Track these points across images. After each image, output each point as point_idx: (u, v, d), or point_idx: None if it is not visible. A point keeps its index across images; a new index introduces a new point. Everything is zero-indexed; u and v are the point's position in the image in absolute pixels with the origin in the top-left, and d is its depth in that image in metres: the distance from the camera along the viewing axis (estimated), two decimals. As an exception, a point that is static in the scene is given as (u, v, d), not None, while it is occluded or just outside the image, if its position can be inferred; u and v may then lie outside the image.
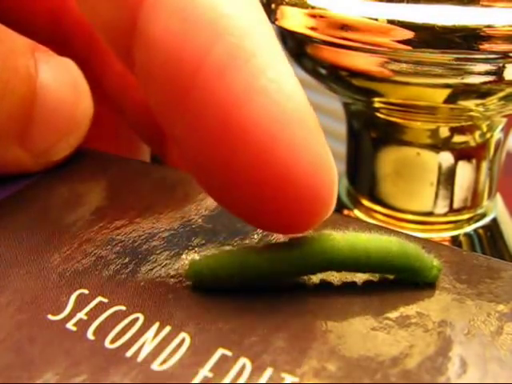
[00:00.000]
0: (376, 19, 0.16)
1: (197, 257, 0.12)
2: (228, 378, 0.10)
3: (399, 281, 0.12)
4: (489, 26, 0.15)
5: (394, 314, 0.11)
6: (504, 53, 0.15)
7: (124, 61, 0.12)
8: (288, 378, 0.10)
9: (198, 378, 0.10)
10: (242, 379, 0.10)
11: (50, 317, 0.11)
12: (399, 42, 0.16)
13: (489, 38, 0.15)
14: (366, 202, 0.20)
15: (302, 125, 0.10)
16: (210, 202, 0.14)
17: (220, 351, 0.10)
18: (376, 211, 0.20)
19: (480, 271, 0.12)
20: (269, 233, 0.13)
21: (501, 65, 0.15)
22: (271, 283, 0.12)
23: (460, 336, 0.10)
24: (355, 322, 0.11)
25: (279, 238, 0.13)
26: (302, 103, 0.11)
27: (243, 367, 0.10)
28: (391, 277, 0.12)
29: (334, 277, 0.12)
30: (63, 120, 0.14)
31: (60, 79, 0.14)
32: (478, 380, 0.10)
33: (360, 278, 0.12)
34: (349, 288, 0.12)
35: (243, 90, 0.10)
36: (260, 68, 0.10)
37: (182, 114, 0.11)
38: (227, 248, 0.13)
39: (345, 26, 0.16)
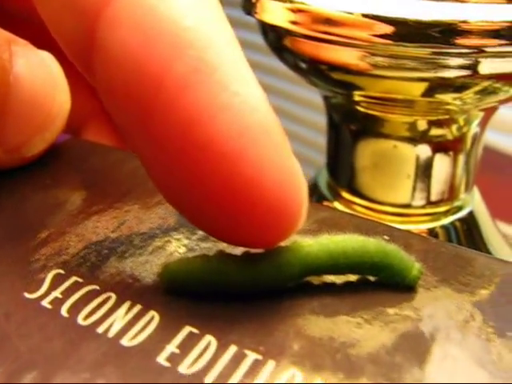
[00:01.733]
0: (355, 14, 0.16)
1: (179, 244, 0.13)
2: (193, 354, 0.10)
3: (379, 282, 0.12)
4: (464, 22, 0.15)
5: (363, 303, 0.11)
6: (478, 47, 0.15)
7: (85, 72, 0.12)
8: (251, 354, 0.10)
9: (164, 354, 0.10)
10: (207, 355, 0.10)
11: (27, 295, 0.11)
12: (378, 36, 0.16)
13: (464, 33, 0.15)
14: (345, 194, 0.20)
15: (268, 138, 0.10)
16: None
17: (187, 329, 0.10)
18: (355, 203, 0.20)
19: (448, 259, 0.12)
20: None
21: (475, 59, 0.16)
22: (246, 292, 0.11)
23: (427, 323, 0.11)
24: (325, 310, 0.11)
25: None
26: (266, 115, 0.10)
27: (208, 344, 0.10)
28: (372, 278, 0.12)
29: (313, 278, 0.12)
30: (38, 114, 0.14)
31: (36, 73, 0.14)
32: (435, 365, 0.10)
33: (340, 279, 0.12)
34: (326, 287, 0.12)
35: (206, 105, 0.10)
36: (223, 81, 0.10)
37: (143, 130, 0.11)
38: (200, 243, 0.13)
39: (325, 21, 0.16)
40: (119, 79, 0.10)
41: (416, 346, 0.10)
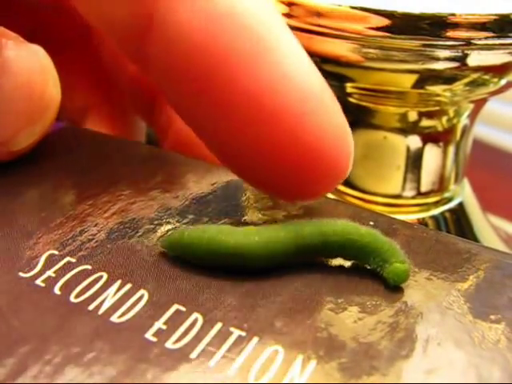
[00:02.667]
0: (347, 6, 0.16)
1: (170, 227, 0.13)
2: (180, 331, 0.10)
3: (366, 269, 0.12)
4: (452, 14, 0.15)
5: (345, 285, 0.12)
6: (466, 40, 0.16)
7: (133, 56, 0.13)
8: (236, 331, 0.10)
9: (152, 330, 0.10)
10: (193, 332, 0.10)
11: (21, 274, 0.12)
12: (369, 28, 0.16)
13: (452, 26, 0.16)
14: (339, 186, 0.21)
15: (326, 103, 0.11)
16: (178, 176, 0.15)
17: (175, 307, 0.11)
18: (347, 194, 0.20)
19: (430, 244, 0.13)
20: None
21: (464, 51, 0.16)
22: (239, 266, 0.12)
23: (408, 306, 0.11)
24: (308, 289, 0.11)
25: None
26: (321, 82, 0.11)
27: (195, 321, 0.11)
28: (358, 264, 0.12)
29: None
30: (27, 107, 0.14)
31: (26, 66, 0.14)
32: (415, 345, 0.10)
33: (328, 262, 0.12)
34: (312, 268, 0.12)
35: (269, 78, 0.11)
36: (281, 56, 0.11)
37: (208, 106, 0.11)
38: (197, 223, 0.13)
39: (317, 13, 0.17)
40: (181, 58, 0.11)
41: (397, 328, 0.11)
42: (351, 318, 0.11)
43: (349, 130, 0.12)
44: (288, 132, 0.11)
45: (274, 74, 0.11)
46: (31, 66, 0.14)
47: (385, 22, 0.16)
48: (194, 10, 0.11)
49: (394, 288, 0.11)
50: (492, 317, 0.11)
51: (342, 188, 0.20)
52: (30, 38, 0.14)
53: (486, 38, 0.15)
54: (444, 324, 0.11)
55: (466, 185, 0.21)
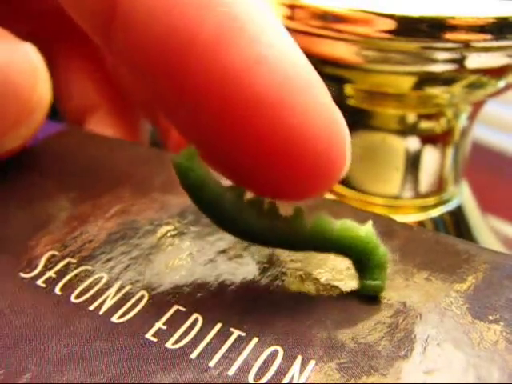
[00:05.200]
0: (347, 9, 0.16)
1: (170, 228, 0.13)
2: (180, 331, 0.10)
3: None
4: (451, 17, 0.16)
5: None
6: (465, 42, 0.16)
7: (105, 44, 0.12)
8: (235, 331, 0.10)
9: (152, 330, 0.10)
10: (193, 332, 0.10)
11: (22, 274, 0.12)
12: (369, 31, 0.16)
13: (451, 28, 0.16)
14: (336, 187, 0.21)
15: (308, 87, 0.10)
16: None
17: (175, 307, 0.11)
18: (346, 195, 0.20)
19: (429, 245, 0.13)
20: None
21: (462, 54, 0.16)
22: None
23: (407, 307, 0.11)
24: (305, 286, 0.12)
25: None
26: (303, 65, 0.10)
27: (195, 321, 0.11)
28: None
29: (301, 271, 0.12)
30: (15, 107, 0.13)
31: (15, 64, 0.13)
32: (414, 346, 0.10)
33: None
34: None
35: (241, 58, 0.10)
36: (255, 34, 0.10)
37: (179, 92, 0.10)
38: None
39: (318, 16, 0.17)
40: (147, 45, 0.10)
41: (396, 328, 0.11)
42: (350, 319, 0.11)
43: (342, 120, 0.11)
44: (270, 119, 0.10)
45: (246, 54, 0.10)
46: (22, 64, 0.13)
47: (385, 24, 0.16)
48: None
49: (393, 290, 0.12)
50: (490, 317, 0.11)
51: (340, 189, 0.20)
52: (32, 37, 0.14)
53: (485, 40, 0.15)
54: (443, 325, 0.11)
55: (464, 186, 0.21)
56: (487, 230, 0.22)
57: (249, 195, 0.11)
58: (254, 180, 0.11)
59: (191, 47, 0.10)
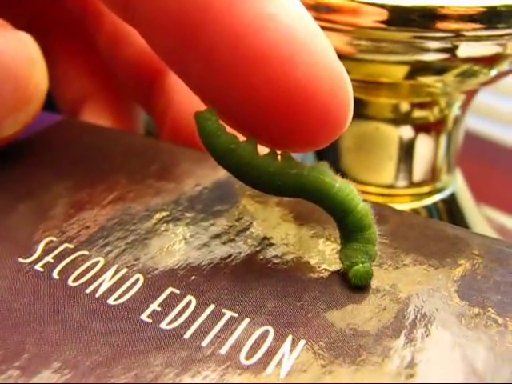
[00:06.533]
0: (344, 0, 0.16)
1: (165, 214, 0.13)
2: (174, 312, 0.11)
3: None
4: (442, 7, 0.16)
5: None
6: (456, 31, 0.16)
7: (122, 14, 0.12)
8: (228, 312, 0.11)
9: (147, 311, 0.11)
10: (187, 313, 0.11)
11: (21, 260, 0.12)
12: (361, 21, 0.17)
13: (442, 18, 0.16)
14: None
15: (315, 42, 0.11)
16: (173, 165, 0.15)
17: (170, 289, 0.11)
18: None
19: (419, 230, 0.13)
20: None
21: (453, 43, 0.16)
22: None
23: (395, 290, 0.12)
24: (301, 272, 0.12)
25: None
26: (311, 23, 0.11)
27: (189, 303, 0.11)
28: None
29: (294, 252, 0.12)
30: (12, 96, 0.14)
31: (12, 52, 0.14)
32: (399, 325, 0.11)
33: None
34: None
35: (253, 17, 0.11)
36: None
37: (195, 53, 0.11)
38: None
39: (310, 6, 0.17)
40: (164, 8, 0.11)
41: (385, 309, 0.11)
42: (340, 300, 0.11)
43: (344, 72, 0.12)
44: (277, 72, 0.11)
45: (257, 13, 0.11)
46: (19, 52, 0.14)
47: (376, 14, 0.16)
48: None
49: (382, 272, 0.12)
50: (478, 299, 0.11)
51: (336, 179, 0.21)
52: (27, 27, 0.14)
53: (475, 29, 0.16)
54: (431, 306, 0.11)
55: (458, 175, 0.22)
56: (480, 218, 0.22)
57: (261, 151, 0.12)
58: (264, 132, 0.12)
59: (206, 8, 0.11)
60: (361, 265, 0.11)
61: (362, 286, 0.11)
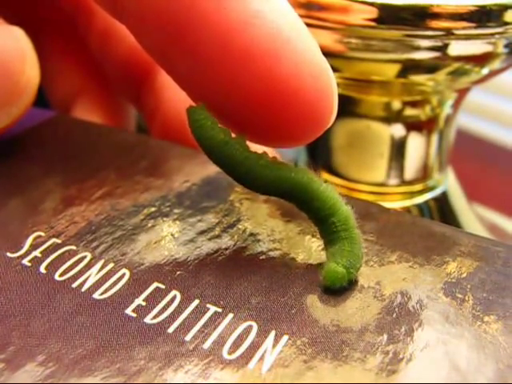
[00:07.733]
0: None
1: (154, 210, 0.13)
2: (159, 307, 0.11)
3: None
4: (434, 5, 0.16)
5: (319, 265, 0.12)
6: (447, 30, 0.16)
7: (112, 11, 0.13)
8: (212, 308, 0.11)
9: (132, 306, 0.11)
10: (171, 308, 0.11)
11: (8, 254, 0.12)
12: (353, 19, 0.17)
13: (433, 16, 0.16)
14: (324, 175, 0.21)
15: (299, 38, 0.11)
16: (162, 161, 0.15)
17: (155, 284, 0.11)
18: (333, 183, 0.21)
19: (406, 228, 0.13)
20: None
21: (445, 41, 0.16)
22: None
23: (381, 286, 0.12)
24: (285, 269, 0.12)
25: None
26: (296, 20, 0.11)
27: (173, 298, 0.11)
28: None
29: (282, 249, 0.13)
30: (4, 88, 0.14)
31: (3, 46, 0.14)
32: (382, 320, 0.11)
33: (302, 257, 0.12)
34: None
35: (239, 14, 0.11)
36: None
37: (182, 49, 0.11)
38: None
39: (302, 4, 0.17)
40: (151, 6, 0.11)
41: (368, 306, 0.11)
42: (324, 297, 0.11)
43: (328, 68, 0.12)
44: (262, 68, 0.11)
45: (243, 10, 0.11)
46: (10, 46, 0.14)
47: (367, 12, 0.16)
48: None
49: (367, 269, 0.12)
50: (462, 296, 0.11)
51: (328, 177, 0.21)
52: (19, 25, 0.15)
53: (465, 28, 0.16)
54: (415, 303, 0.11)
55: (449, 173, 0.22)
56: (472, 216, 0.22)
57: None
58: (250, 127, 0.12)
59: (193, 6, 0.11)
60: (338, 268, 0.11)
61: (333, 289, 0.11)
